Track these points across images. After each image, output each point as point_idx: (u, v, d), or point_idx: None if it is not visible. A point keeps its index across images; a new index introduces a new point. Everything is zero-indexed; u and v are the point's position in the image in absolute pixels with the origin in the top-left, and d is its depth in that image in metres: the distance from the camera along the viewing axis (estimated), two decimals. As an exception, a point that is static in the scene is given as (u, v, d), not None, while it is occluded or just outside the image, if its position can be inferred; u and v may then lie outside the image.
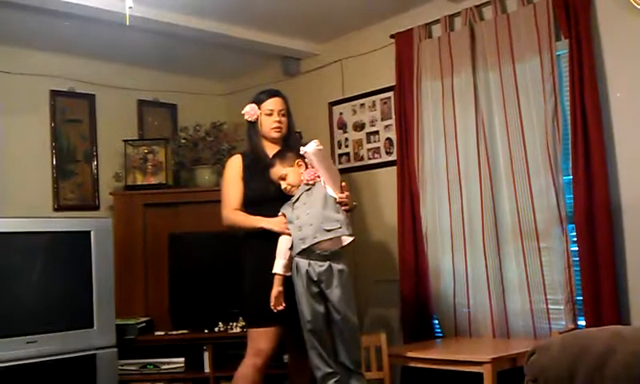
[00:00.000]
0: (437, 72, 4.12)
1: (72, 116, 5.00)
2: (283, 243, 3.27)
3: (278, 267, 3.24)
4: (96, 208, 5.02)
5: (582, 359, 2.18)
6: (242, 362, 3.40)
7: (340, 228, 3.19)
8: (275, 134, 3.49)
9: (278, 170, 3.32)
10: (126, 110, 5.26)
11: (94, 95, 5.09)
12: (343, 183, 3.34)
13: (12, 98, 4.68)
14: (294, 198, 3.29)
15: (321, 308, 3.19)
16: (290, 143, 3.53)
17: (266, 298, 3.26)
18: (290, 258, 3.24)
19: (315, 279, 3.17)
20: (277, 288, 3.23)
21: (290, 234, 3.24)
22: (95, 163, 5.07)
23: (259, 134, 3.51)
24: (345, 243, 3.25)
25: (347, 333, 3.22)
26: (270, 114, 3.48)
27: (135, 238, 4.79)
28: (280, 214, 3.31)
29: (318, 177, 3.28)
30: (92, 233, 3.89)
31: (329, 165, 3.32)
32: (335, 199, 3.25)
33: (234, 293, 4.51)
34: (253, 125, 3.53)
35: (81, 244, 3.86)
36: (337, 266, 3.19)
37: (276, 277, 3.24)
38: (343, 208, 3.27)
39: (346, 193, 3.31)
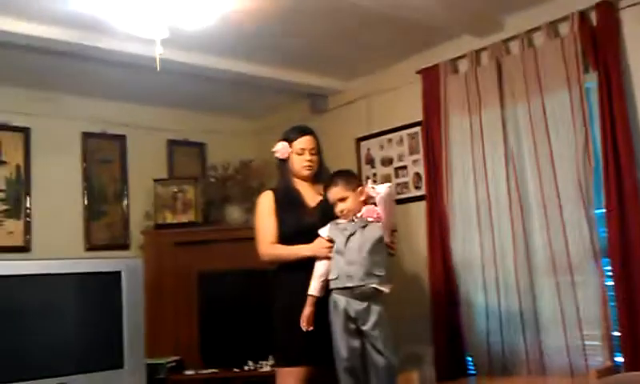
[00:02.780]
0: (464, 107, 4.11)
1: (103, 156, 5.08)
2: (321, 267, 3.25)
3: (313, 289, 3.23)
4: (126, 247, 5.06)
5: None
6: None
7: (384, 275, 3.18)
8: (306, 172, 3.50)
9: (338, 191, 3.27)
10: (155, 149, 5.33)
11: (124, 136, 5.17)
12: (395, 231, 3.33)
13: (45, 139, 4.78)
14: (345, 228, 3.23)
15: (357, 345, 3.15)
16: (321, 179, 3.53)
17: (295, 336, 3.23)
18: (326, 281, 3.22)
19: (353, 316, 3.13)
20: (309, 308, 3.22)
21: (329, 259, 3.22)
22: (126, 203, 5.13)
23: (290, 172, 3.51)
24: (385, 291, 3.20)
25: (384, 372, 3.15)
26: (302, 154, 3.49)
27: (165, 277, 4.80)
28: (327, 236, 3.27)
29: (379, 219, 3.24)
30: (122, 273, 3.92)
31: (393, 211, 3.30)
32: (386, 244, 3.23)
33: (264, 330, 4.51)
34: (284, 162, 3.54)
35: (111, 284, 3.90)
36: (375, 306, 3.15)
37: (310, 298, 3.23)
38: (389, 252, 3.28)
39: (395, 242, 3.32)
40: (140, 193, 5.13)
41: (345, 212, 3.25)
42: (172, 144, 5.43)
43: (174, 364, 4.53)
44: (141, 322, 3.95)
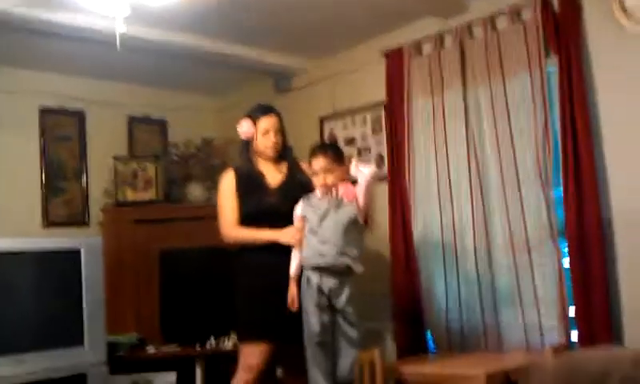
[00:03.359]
0: (427, 89, 4.14)
1: (62, 133, 4.98)
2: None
3: (295, 269, 3.31)
4: (86, 224, 5.00)
5: (576, 382, 2.18)
6: (233, 377, 3.39)
7: (358, 255, 3.26)
8: (271, 153, 3.52)
9: (327, 163, 3.28)
10: (115, 126, 5.25)
11: (83, 112, 5.08)
12: (371, 217, 3.41)
13: (2, 115, 4.66)
14: (319, 207, 3.25)
15: (329, 320, 3.22)
16: (285, 158, 3.54)
17: (257, 313, 3.27)
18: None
19: (326, 292, 3.20)
20: (294, 288, 3.29)
21: (300, 246, 3.25)
22: (85, 180, 5.05)
23: (253, 151, 3.51)
24: (358, 271, 3.30)
25: (357, 344, 3.27)
26: (267, 133, 3.49)
27: (125, 254, 4.76)
28: (300, 214, 3.28)
29: (355, 199, 3.26)
30: (82, 250, 3.86)
31: (372, 194, 3.33)
32: (362, 226, 3.29)
33: (226, 308, 4.52)
34: (247, 142, 3.53)
35: (70, 262, 3.84)
36: (347, 283, 3.24)
37: (293, 279, 3.30)
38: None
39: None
40: (100, 170, 5.05)
41: (326, 185, 3.26)
42: (132, 121, 5.35)
43: (134, 341, 4.50)
44: (101, 300, 3.91)
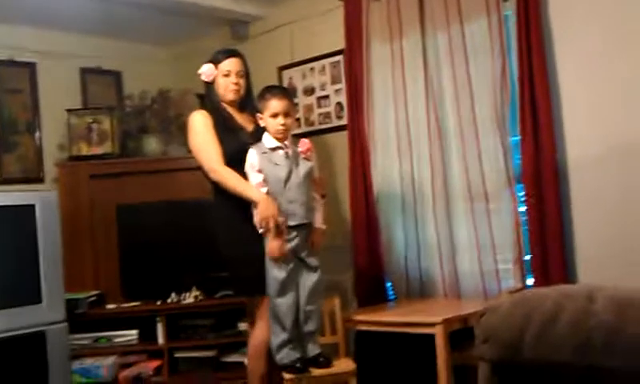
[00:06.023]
0: (386, 35, 4.09)
1: (12, 85, 4.82)
2: None
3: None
4: (40, 180, 4.87)
5: (531, 318, 2.21)
6: (256, 328, 3.37)
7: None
8: (232, 96, 3.41)
9: (288, 105, 3.24)
10: (68, 78, 5.08)
11: (34, 63, 4.91)
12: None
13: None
14: (277, 162, 3.20)
15: (294, 269, 3.23)
16: (247, 105, 3.44)
17: (258, 268, 3.25)
18: None
19: (293, 246, 3.22)
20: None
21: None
22: (38, 134, 4.90)
23: (217, 96, 3.41)
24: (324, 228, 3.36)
25: (317, 297, 3.31)
26: (228, 75, 3.39)
27: (82, 210, 4.67)
28: (257, 166, 3.20)
29: (309, 152, 3.29)
30: (37, 206, 3.77)
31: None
32: (315, 179, 3.33)
33: (186, 262, 4.50)
34: (210, 85, 3.43)
35: (25, 218, 3.74)
36: (309, 233, 3.28)
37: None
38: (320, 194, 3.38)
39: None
40: (53, 124, 4.91)
41: (285, 129, 3.23)
42: (85, 72, 5.18)
43: (94, 298, 4.46)
44: (58, 256, 3.84)
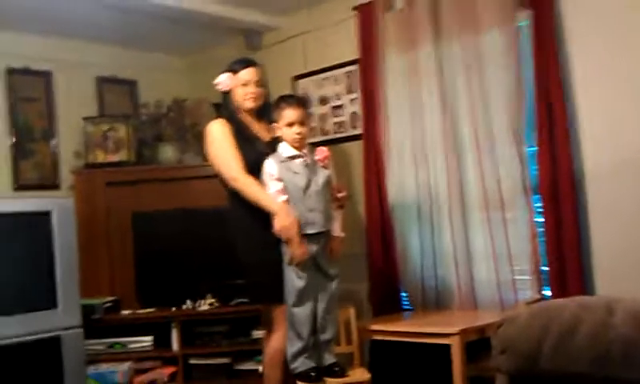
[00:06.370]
0: (400, 45, 4.10)
1: (28, 94, 4.86)
2: None
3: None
4: (56, 187, 4.91)
5: (549, 330, 2.21)
6: (274, 336, 3.38)
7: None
8: (250, 105, 3.41)
9: (303, 113, 3.26)
10: (84, 87, 5.13)
11: (50, 72, 4.95)
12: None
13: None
14: (296, 171, 3.22)
15: (313, 277, 3.24)
16: (265, 114, 3.44)
17: (277, 276, 3.26)
18: None
19: (313, 254, 3.22)
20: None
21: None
22: (54, 142, 4.95)
23: (234, 105, 3.43)
24: (342, 235, 3.37)
25: (335, 306, 3.32)
26: (246, 85, 3.40)
27: (98, 217, 4.71)
28: (275, 176, 3.20)
29: (326, 160, 3.30)
30: (53, 212, 3.79)
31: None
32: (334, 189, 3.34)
33: (201, 269, 4.52)
34: (227, 95, 3.45)
35: (42, 224, 3.77)
36: (328, 241, 3.29)
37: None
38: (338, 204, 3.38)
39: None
40: (69, 131, 4.95)
41: (301, 138, 3.24)
42: (101, 81, 5.23)
43: (110, 304, 4.48)
44: (74, 262, 3.85)
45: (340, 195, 3.38)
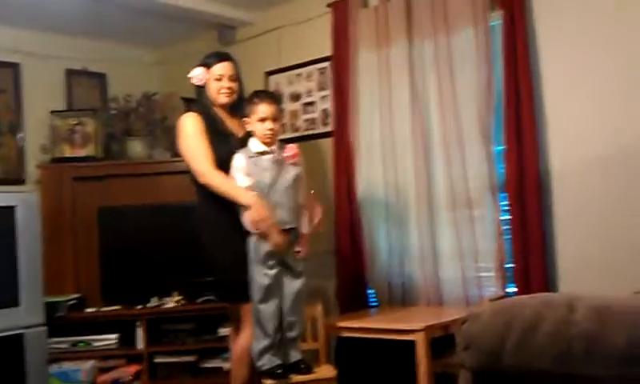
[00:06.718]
0: (373, 42, 4.09)
1: (-5, 86, 4.79)
2: None
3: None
4: (22, 182, 4.82)
5: (511, 326, 2.21)
6: (242, 335, 3.34)
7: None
8: (224, 100, 3.37)
9: (276, 110, 3.24)
10: (52, 79, 5.05)
11: (18, 64, 4.87)
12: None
13: None
14: (265, 167, 3.19)
15: (278, 274, 3.21)
16: (239, 109, 3.40)
17: (243, 273, 3.22)
18: None
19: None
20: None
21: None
22: (21, 135, 4.86)
23: (208, 100, 3.38)
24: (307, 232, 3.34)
25: (300, 303, 3.30)
26: (220, 79, 3.36)
27: (63, 213, 4.64)
28: (245, 170, 3.18)
29: (295, 158, 3.28)
30: (17, 207, 3.72)
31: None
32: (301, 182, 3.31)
33: (167, 267, 4.47)
34: (201, 89, 3.40)
35: (5, 219, 3.69)
36: (294, 238, 3.26)
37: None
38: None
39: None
40: (36, 125, 4.86)
41: (272, 134, 3.22)
42: (70, 74, 5.15)
43: (74, 301, 4.41)
44: (38, 259, 3.79)
45: (315, 222, 3.36)
